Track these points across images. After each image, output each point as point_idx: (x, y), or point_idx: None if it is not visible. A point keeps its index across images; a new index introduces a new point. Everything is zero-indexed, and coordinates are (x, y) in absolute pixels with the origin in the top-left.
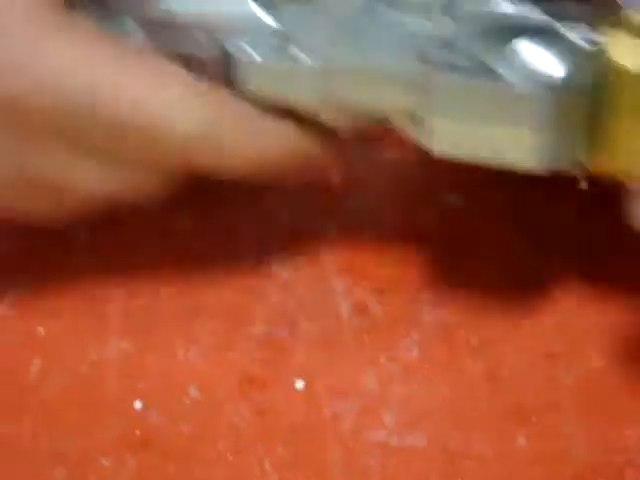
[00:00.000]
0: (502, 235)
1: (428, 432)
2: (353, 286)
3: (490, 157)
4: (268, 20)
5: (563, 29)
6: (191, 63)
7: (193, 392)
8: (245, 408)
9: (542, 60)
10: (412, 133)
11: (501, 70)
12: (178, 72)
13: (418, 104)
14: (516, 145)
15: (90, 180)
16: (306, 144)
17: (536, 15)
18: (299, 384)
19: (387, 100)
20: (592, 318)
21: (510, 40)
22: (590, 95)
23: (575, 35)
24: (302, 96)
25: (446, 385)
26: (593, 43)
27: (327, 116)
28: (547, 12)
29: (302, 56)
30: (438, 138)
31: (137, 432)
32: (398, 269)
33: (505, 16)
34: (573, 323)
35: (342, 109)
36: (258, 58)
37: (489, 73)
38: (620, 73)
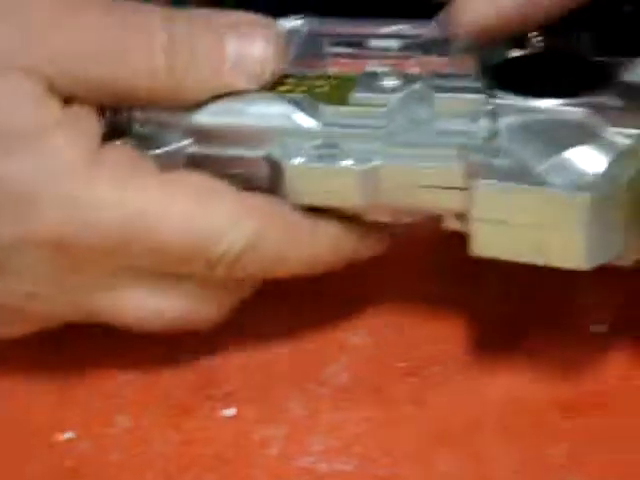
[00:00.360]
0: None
1: (356, 457)
2: (286, 313)
3: (533, 258)
4: (311, 124)
5: (603, 125)
6: (238, 174)
7: (121, 421)
8: (173, 436)
9: (583, 159)
10: (462, 229)
11: (544, 174)
12: (224, 188)
13: (463, 205)
14: (560, 246)
15: (142, 309)
16: (355, 243)
17: (577, 113)
18: (228, 411)
19: (433, 201)
20: (513, 341)
21: (554, 145)
22: (633, 190)
23: (614, 131)
24: (348, 199)
25: (374, 410)
26: (633, 138)
27: (374, 216)
28: (587, 107)
29: (347, 160)
30: (480, 239)
31: (67, 463)
32: (326, 292)
33: (549, 119)
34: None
35: (388, 210)
36: (303, 163)
37: (532, 177)
38: None
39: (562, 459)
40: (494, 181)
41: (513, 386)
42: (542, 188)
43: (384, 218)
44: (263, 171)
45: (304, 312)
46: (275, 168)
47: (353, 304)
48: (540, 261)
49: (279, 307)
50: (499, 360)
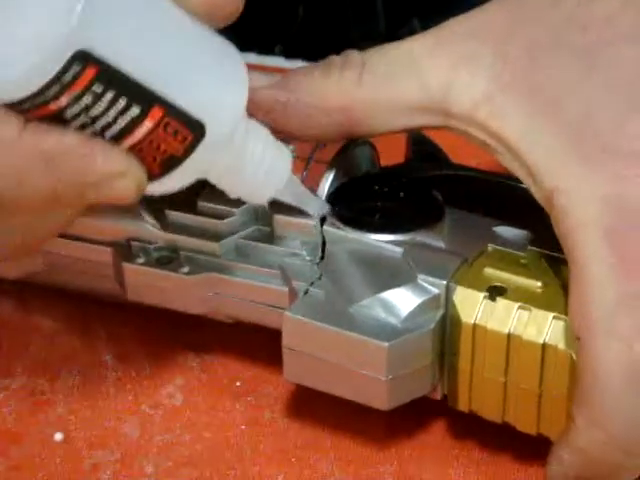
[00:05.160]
0: None
1: (188, 478)
2: (118, 335)
3: (341, 393)
4: (156, 227)
5: (416, 271)
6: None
7: None
8: (1, 462)
9: (393, 303)
10: None
11: (355, 313)
12: None
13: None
14: (364, 386)
15: None
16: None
17: (396, 253)
18: (58, 435)
19: (259, 316)
20: None
21: (370, 284)
22: (437, 337)
23: (424, 278)
24: (184, 304)
25: (208, 430)
26: (439, 287)
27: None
28: (408, 247)
29: (183, 267)
30: (290, 367)
31: None
32: (162, 315)
33: (371, 254)
34: None
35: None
36: (141, 264)
37: (341, 317)
38: (458, 321)
39: (389, 476)
40: (301, 317)
41: (348, 409)
42: (346, 332)
43: (227, 320)
44: (108, 261)
45: (139, 335)
46: (118, 263)
47: (188, 327)
48: (348, 397)
49: (113, 329)
50: None
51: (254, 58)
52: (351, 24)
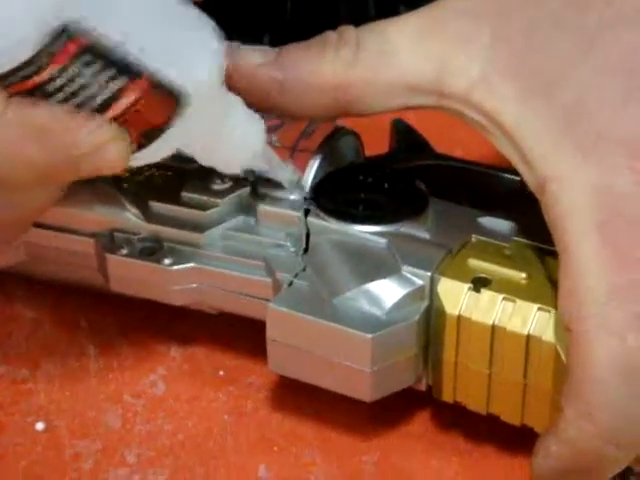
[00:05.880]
0: None
1: (170, 468)
2: (100, 325)
3: (325, 384)
4: (139, 218)
5: (400, 262)
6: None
7: None
8: None
9: (377, 294)
10: None
11: (338, 305)
12: None
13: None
14: (347, 377)
15: None
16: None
17: (380, 244)
18: (39, 425)
19: (243, 307)
20: None
21: (354, 275)
22: (421, 328)
23: (409, 270)
24: (166, 295)
25: (191, 420)
26: (423, 279)
27: (202, 308)
28: (392, 238)
29: (166, 258)
30: (275, 358)
31: None
32: (144, 305)
33: (355, 246)
34: None
35: (210, 307)
36: (125, 255)
37: (324, 309)
38: (442, 312)
39: (371, 466)
40: (285, 308)
41: (331, 399)
42: (330, 324)
43: (211, 311)
44: (91, 251)
45: (121, 324)
46: (101, 254)
47: (170, 316)
48: (332, 388)
49: (95, 319)
50: None
51: None
52: (340, 13)
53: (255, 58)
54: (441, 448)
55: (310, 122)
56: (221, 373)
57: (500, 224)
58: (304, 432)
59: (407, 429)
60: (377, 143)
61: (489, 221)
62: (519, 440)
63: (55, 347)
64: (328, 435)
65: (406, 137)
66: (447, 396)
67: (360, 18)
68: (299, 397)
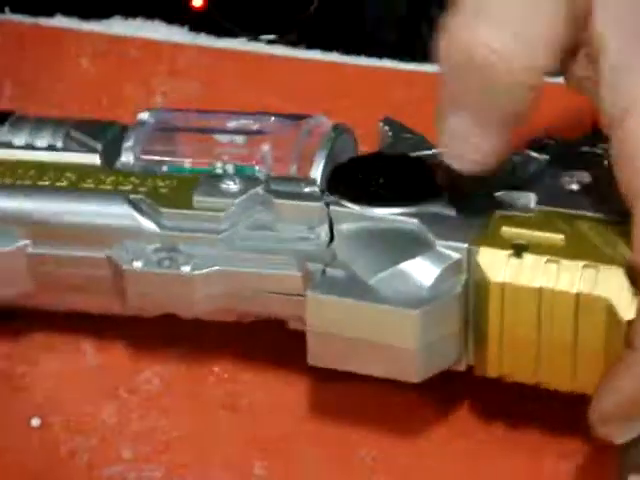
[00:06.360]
0: None
1: (166, 464)
2: (96, 321)
3: (368, 370)
4: (151, 227)
5: (434, 238)
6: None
7: None
8: None
9: (414, 272)
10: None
11: (377, 286)
12: None
13: (301, 311)
14: (392, 359)
15: None
16: None
17: (410, 224)
18: (34, 421)
19: (272, 306)
20: None
21: (388, 257)
22: (462, 302)
23: (444, 244)
24: (189, 304)
25: (187, 416)
26: (460, 252)
27: (218, 318)
28: (421, 218)
29: (186, 265)
30: (315, 349)
31: None
32: None
33: (383, 229)
34: None
35: (232, 313)
36: (142, 267)
37: (364, 291)
38: (485, 283)
39: (370, 461)
40: (324, 294)
41: (327, 397)
42: (372, 304)
43: (230, 318)
44: (104, 272)
45: (117, 321)
46: (116, 270)
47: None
48: (375, 373)
49: (91, 316)
50: (319, 368)
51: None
52: (366, 8)
53: None
54: (439, 444)
55: None
56: (216, 370)
57: (520, 196)
58: (299, 430)
59: (406, 426)
60: (368, 142)
61: (507, 195)
62: (518, 439)
63: (50, 343)
64: (324, 432)
65: (400, 131)
66: (492, 370)
67: (387, 14)
68: (295, 395)
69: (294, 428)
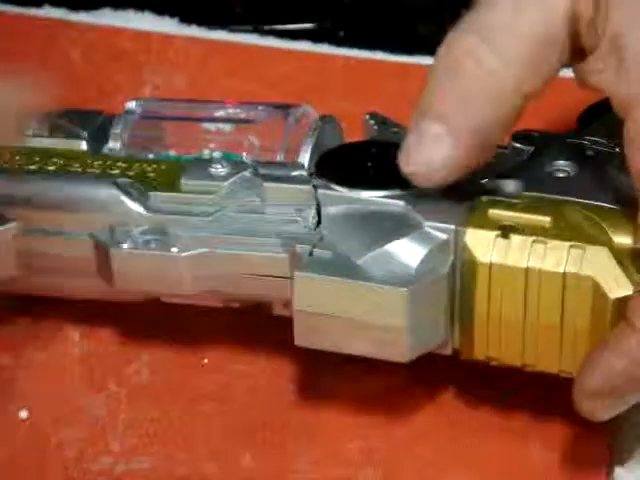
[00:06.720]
0: None
1: (154, 456)
2: (84, 311)
3: (355, 350)
4: (139, 209)
5: (421, 219)
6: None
7: None
8: None
9: (403, 253)
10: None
11: (365, 267)
12: None
13: (288, 294)
14: (381, 339)
15: None
16: None
17: (397, 206)
18: (23, 413)
19: (259, 289)
20: None
21: (375, 237)
22: (449, 283)
23: (431, 225)
24: (175, 286)
25: (176, 407)
26: (447, 233)
27: (204, 302)
28: (407, 200)
29: (173, 247)
30: (301, 330)
31: None
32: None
33: (371, 211)
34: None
35: (219, 296)
36: (129, 248)
37: (352, 271)
38: (472, 263)
39: (356, 453)
40: (312, 273)
41: (318, 388)
42: (361, 282)
43: (215, 304)
44: (91, 254)
45: (105, 311)
46: (102, 252)
47: (155, 303)
48: (364, 354)
49: (79, 305)
50: (307, 359)
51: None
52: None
53: None
54: (430, 437)
55: None
56: (206, 361)
57: (506, 184)
58: (289, 421)
59: (396, 418)
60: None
61: (494, 183)
62: (504, 425)
63: (38, 334)
64: (315, 424)
65: (386, 124)
66: (479, 353)
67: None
68: (285, 385)
69: (282, 419)
